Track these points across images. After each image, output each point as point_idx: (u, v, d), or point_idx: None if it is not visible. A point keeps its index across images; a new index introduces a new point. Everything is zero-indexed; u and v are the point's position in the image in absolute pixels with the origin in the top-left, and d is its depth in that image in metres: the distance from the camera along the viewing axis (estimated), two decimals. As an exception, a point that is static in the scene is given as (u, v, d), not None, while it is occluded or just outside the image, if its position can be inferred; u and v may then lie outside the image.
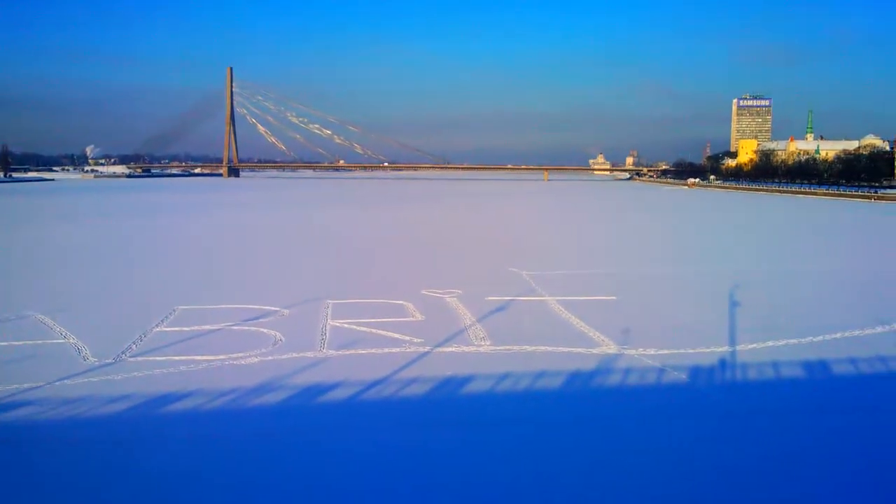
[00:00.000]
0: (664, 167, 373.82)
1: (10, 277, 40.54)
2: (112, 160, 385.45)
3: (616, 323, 28.99)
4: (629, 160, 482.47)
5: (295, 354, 24.04)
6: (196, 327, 27.80)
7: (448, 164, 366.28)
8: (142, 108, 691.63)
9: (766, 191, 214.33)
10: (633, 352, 24.75)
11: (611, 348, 25.26)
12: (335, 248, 57.26)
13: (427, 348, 24.97)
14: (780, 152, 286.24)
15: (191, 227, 75.18)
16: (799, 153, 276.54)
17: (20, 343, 25.23)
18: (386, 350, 24.72)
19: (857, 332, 27.81)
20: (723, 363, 23.56)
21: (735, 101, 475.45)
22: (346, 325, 28.35)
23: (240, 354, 23.86)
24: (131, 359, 23.43)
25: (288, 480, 14.67)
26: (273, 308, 31.43)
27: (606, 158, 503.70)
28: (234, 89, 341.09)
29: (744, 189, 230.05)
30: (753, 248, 61.23)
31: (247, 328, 27.86)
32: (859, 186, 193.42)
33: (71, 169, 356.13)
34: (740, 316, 30.77)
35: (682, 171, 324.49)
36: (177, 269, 43.75)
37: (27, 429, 17.38)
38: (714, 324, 29.27)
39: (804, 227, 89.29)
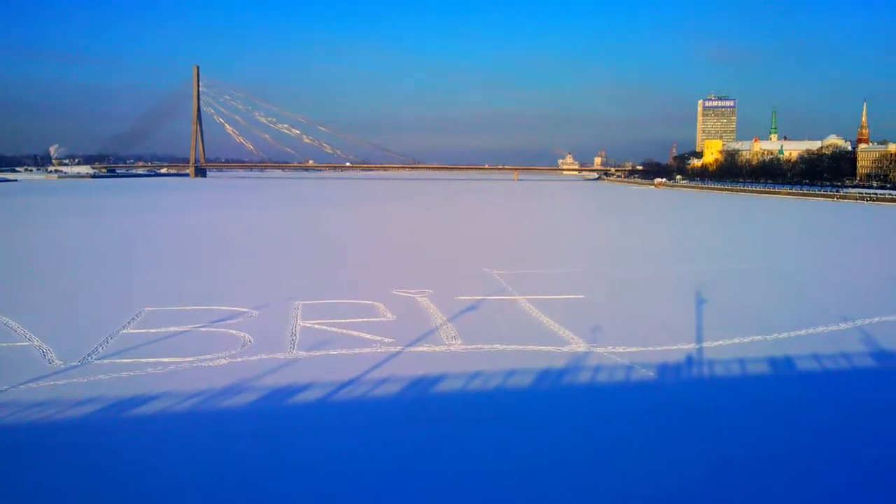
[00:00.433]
0: (631, 167, 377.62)
1: (-30, 280, 39.65)
2: (76, 160, 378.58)
3: (585, 321, 29.24)
4: (597, 160, 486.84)
5: (265, 356, 23.88)
6: (163, 329, 27.48)
7: (418, 164, 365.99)
8: (106, 108, 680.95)
9: (731, 190, 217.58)
10: (602, 350, 24.99)
11: (580, 346, 25.47)
12: (305, 248, 56.92)
13: (398, 348, 24.97)
14: (744, 152, 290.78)
15: (157, 228, 74.15)
16: (763, 153, 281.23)
17: (-18, 346, 24.71)
18: (357, 350, 24.67)
19: (821, 329, 28.38)
20: (690, 360, 23.90)
21: (700, 101, 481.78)
22: (316, 326, 28.23)
23: (208, 356, 23.63)
24: (97, 361, 23.09)
25: (259, 482, 14.59)
26: (242, 309, 31.17)
27: (575, 159, 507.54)
28: (200, 88, 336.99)
29: (709, 189, 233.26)
30: (719, 247, 62.13)
31: (215, 330, 27.59)
32: (822, 186, 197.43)
33: (34, 169, 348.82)
34: (707, 314, 31.23)
35: (650, 171, 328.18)
36: (143, 271, 43.15)
37: (-10, 434, 17.05)
38: (681, 321, 29.67)
39: (769, 227, 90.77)
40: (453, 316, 30.31)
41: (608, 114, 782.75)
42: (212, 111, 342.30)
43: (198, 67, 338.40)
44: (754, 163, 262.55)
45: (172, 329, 27.49)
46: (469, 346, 25.35)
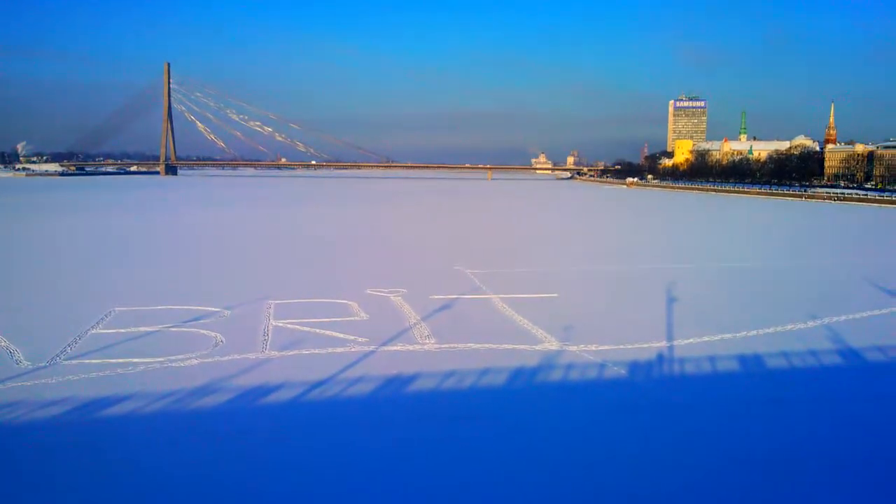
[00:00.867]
0: (604, 167, 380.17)
1: (-66, 280, 38.84)
2: (45, 158, 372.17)
3: (558, 320, 29.42)
4: (570, 160, 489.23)
5: (236, 356, 23.69)
6: (133, 329, 27.14)
7: (392, 163, 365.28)
8: (75, 105, 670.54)
9: (702, 190, 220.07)
10: (574, 348, 25.16)
11: (553, 345, 25.62)
12: (277, 247, 56.54)
13: (372, 347, 24.92)
14: (714, 152, 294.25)
15: (127, 227, 73.18)
16: (733, 153, 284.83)
17: (-54, 348, 24.23)
18: (330, 350, 24.57)
19: (789, 327, 28.82)
20: (661, 358, 24.15)
21: (672, 102, 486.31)
22: (289, 326, 28.06)
23: (179, 356, 23.39)
24: (66, 362, 22.74)
25: (232, 481, 14.49)
26: (213, 309, 30.88)
27: (548, 158, 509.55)
28: (171, 86, 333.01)
29: (680, 188, 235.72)
30: (690, 247, 62.84)
31: (186, 330, 27.32)
32: (790, 185, 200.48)
33: (1, 167, 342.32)
34: (677, 312, 31.58)
35: (622, 171, 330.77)
36: (113, 270, 42.57)
37: (-45, 436, 16.73)
38: (652, 320, 29.97)
39: (738, 226, 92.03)
40: (427, 315, 30.32)
41: (581, 114, 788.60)
42: (183, 109, 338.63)
43: (168, 64, 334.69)
44: (724, 163, 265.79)
45: (143, 329, 27.17)
46: (443, 345, 25.38)
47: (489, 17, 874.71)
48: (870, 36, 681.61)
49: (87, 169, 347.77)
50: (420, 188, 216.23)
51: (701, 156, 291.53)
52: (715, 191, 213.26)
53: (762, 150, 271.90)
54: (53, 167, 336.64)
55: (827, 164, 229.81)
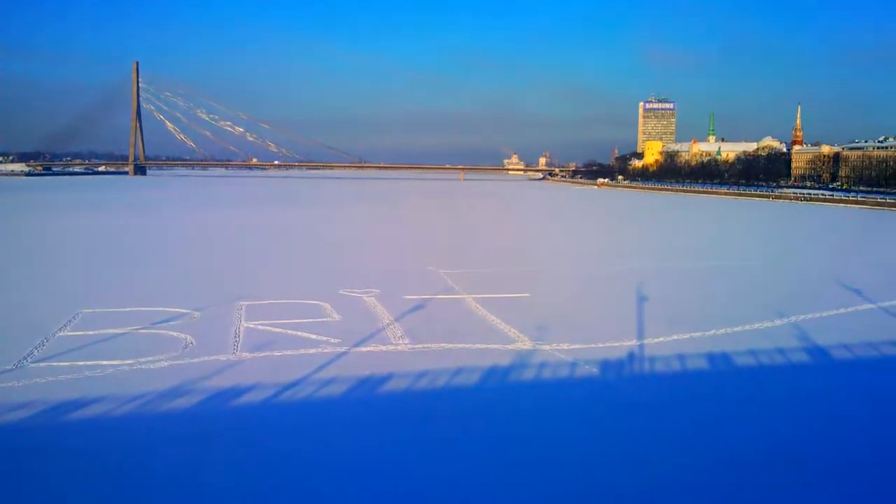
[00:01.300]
0: (575, 168, 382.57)
1: None
2: (10, 158, 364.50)
3: (530, 319, 29.57)
4: (542, 160, 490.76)
5: (207, 357, 23.45)
6: (101, 331, 26.75)
7: (364, 163, 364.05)
8: (42, 104, 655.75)
9: (671, 190, 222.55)
10: (546, 347, 25.32)
11: (526, 344, 25.76)
12: (248, 248, 56.09)
13: (345, 348, 24.83)
14: (683, 153, 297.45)
15: (94, 228, 72.10)
16: (701, 154, 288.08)
17: None
18: (302, 351, 24.44)
19: (757, 325, 29.27)
20: (632, 357, 24.39)
21: (641, 104, 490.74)
22: (260, 327, 27.86)
23: (148, 359, 23.09)
24: (33, 365, 22.33)
25: (203, 484, 14.36)
26: (183, 310, 30.54)
27: (520, 159, 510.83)
28: (140, 84, 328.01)
29: (650, 189, 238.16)
30: (660, 246, 63.53)
31: (155, 331, 26.99)
32: (758, 186, 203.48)
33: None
34: (647, 311, 31.90)
35: (592, 172, 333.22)
36: (80, 272, 41.92)
37: (-83, 442, 16.36)
38: (623, 319, 30.25)
39: (707, 226, 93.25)
40: (400, 315, 30.29)
41: (553, 115, 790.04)
42: (152, 108, 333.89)
43: (137, 63, 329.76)
44: (693, 164, 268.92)
45: (111, 331, 26.79)
46: (416, 346, 25.38)
47: (461, 19, 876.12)
48: (836, 39, 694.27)
49: (55, 169, 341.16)
50: (393, 188, 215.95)
51: (670, 157, 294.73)
52: (684, 191, 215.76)
53: (730, 151, 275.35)
54: (20, 167, 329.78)
55: (794, 165, 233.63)
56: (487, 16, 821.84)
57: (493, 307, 32.13)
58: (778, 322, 30.01)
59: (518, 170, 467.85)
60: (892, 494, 14.60)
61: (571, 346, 25.35)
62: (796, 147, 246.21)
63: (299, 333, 26.81)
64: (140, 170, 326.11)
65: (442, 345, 25.42)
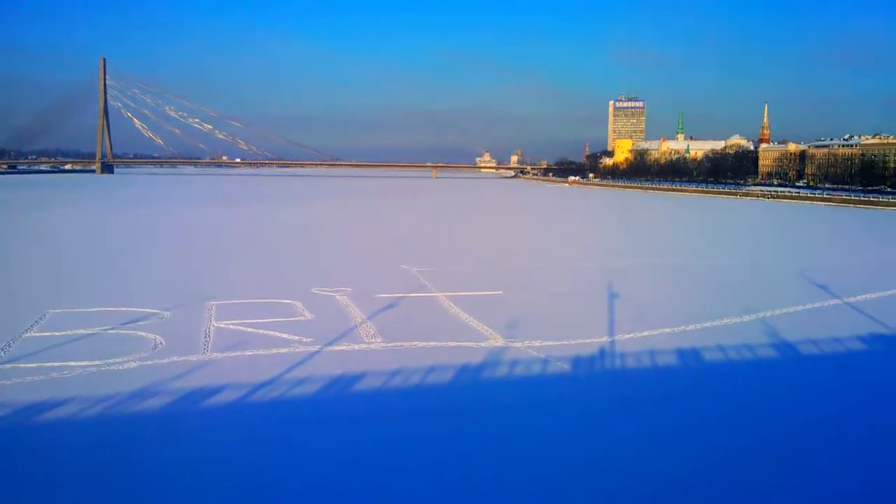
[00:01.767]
0: (547, 165, 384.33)
1: None
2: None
3: (503, 317, 29.69)
4: (514, 158, 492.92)
5: (177, 358, 23.20)
6: (69, 332, 26.33)
7: (336, 161, 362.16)
8: (6, 101, 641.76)
9: (641, 188, 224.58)
10: (518, 344, 25.44)
11: (498, 341, 25.86)
12: (217, 247, 55.55)
13: (317, 347, 24.72)
14: (653, 152, 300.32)
15: (60, 227, 70.89)
16: (671, 152, 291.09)
17: None
18: (274, 351, 24.28)
19: (726, 321, 29.69)
20: (603, 353, 24.60)
21: (612, 102, 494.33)
22: (231, 327, 27.62)
23: (117, 359, 22.79)
24: (0, 366, 21.95)
25: (174, 485, 14.22)
26: (152, 310, 30.17)
27: (493, 157, 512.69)
28: (107, 81, 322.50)
29: (620, 187, 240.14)
30: (630, 244, 64.12)
31: (124, 332, 26.64)
32: (726, 184, 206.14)
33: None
34: (619, 307, 32.20)
35: (564, 170, 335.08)
36: (47, 271, 41.19)
37: None
38: (595, 316, 30.49)
39: (676, 224, 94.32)
40: (373, 314, 30.23)
41: (524, 113, 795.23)
42: (119, 105, 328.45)
43: (104, 60, 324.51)
44: (662, 162, 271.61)
45: (79, 332, 26.39)
46: (389, 344, 25.35)
47: (433, 17, 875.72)
48: (802, 39, 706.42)
49: (20, 167, 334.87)
50: (365, 187, 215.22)
51: (640, 155, 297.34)
52: (654, 189, 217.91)
53: (699, 149, 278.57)
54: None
55: (761, 162, 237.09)
56: (460, 15, 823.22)
57: (466, 305, 32.19)
58: (746, 318, 30.45)
59: (490, 168, 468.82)
60: (862, 485, 14.92)
61: (543, 343, 25.50)
62: (763, 145, 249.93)
63: (271, 333, 26.63)
64: (107, 168, 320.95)
65: (415, 343, 25.43)
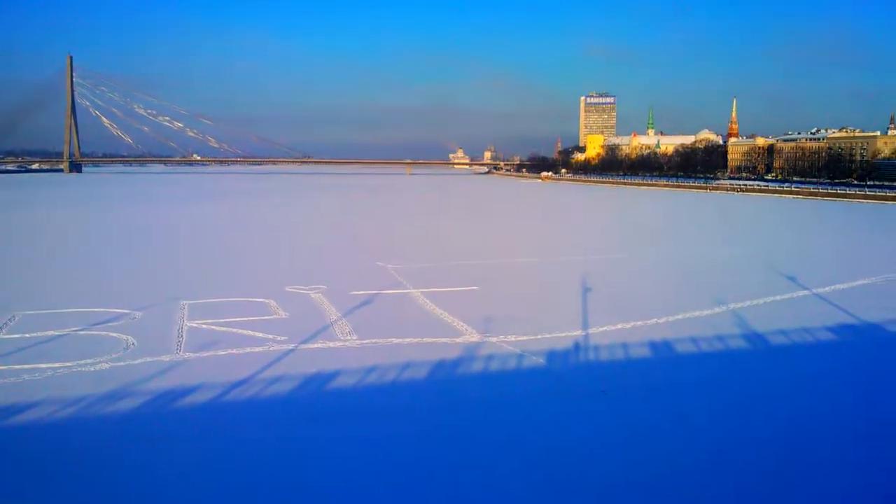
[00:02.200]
0: (519, 161, 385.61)
1: None
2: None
3: (478, 312, 29.78)
4: (487, 154, 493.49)
5: (149, 358, 22.95)
6: (39, 333, 25.92)
7: (309, 158, 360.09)
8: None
9: (613, 183, 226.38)
10: (494, 339, 25.55)
11: (473, 337, 25.94)
12: (189, 246, 55.00)
13: (292, 346, 24.61)
14: (624, 147, 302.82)
15: (28, 227, 69.69)
16: (641, 148, 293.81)
17: None
18: (248, 350, 24.11)
19: (697, 313, 30.07)
20: (577, 346, 24.80)
21: (583, 98, 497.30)
22: (204, 326, 27.38)
23: (89, 360, 22.50)
24: (-35, 371, 21.53)
25: (146, 490, 14.09)
26: (123, 311, 29.81)
27: (466, 153, 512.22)
28: (74, 79, 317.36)
29: (592, 182, 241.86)
30: (603, 237, 64.65)
31: (95, 333, 26.29)
32: (696, 178, 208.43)
33: None
34: (592, 301, 32.46)
35: (536, 165, 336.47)
36: (15, 272, 40.47)
37: None
38: (569, 310, 30.70)
39: (647, 218, 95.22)
40: (347, 311, 30.16)
41: (496, 109, 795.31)
42: (87, 103, 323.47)
43: (71, 57, 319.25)
44: (633, 157, 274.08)
45: (49, 333, 26.00)
46: (364, 341, 25.32)
47: (405, 13, 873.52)
48: (770, 35, 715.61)
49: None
50: (338, 184, 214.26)
51: (611, 150, 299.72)
52: (625, 184, 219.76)
53: (669, 144, 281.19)
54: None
55: (730, 156, 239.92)
56: (431, 10, 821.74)
57: (441, 301, 32.24)
58: (717, 310, 30.86)
59: (464, 164, 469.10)
60: (827, 475, 15.22)
61: (519, 338, 25.63)
62: (732, 139, 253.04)
63: (244, 332, 26.45)
64: (76, 167, 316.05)
65: (390, 340, 25.42)
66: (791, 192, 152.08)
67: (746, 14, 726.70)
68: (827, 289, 35.96)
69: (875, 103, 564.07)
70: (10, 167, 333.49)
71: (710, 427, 17.76)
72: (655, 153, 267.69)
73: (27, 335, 25.68)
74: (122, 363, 22.42)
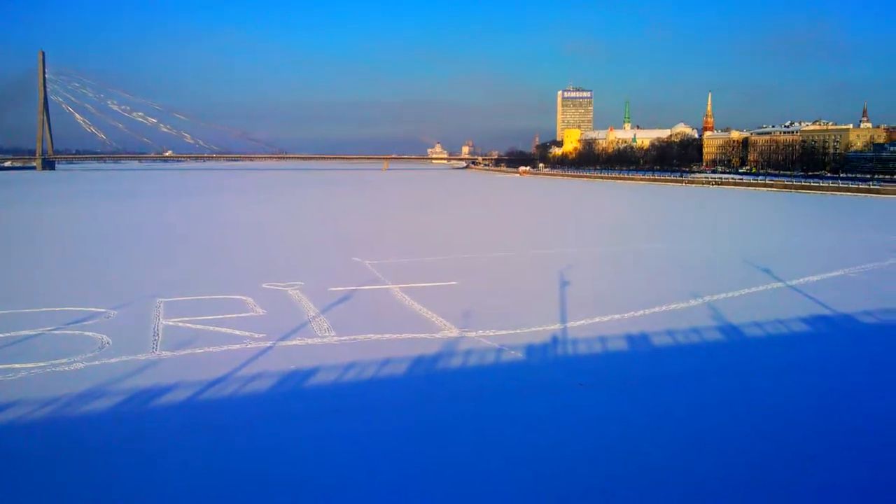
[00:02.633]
0: (498, 156, 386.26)
1: None
2: None
3: (457, 307, 29.79)
4: (465, 149, 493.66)
5: (125, 357, 22.71)
6: (12, 333, 25.54)
7: (286, 154, 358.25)
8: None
9: (590, 177, 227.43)
10: (473, 334, 25.57)
11: (452, 332, 25.94)
12: (165, 243, 54.45)
13: (269, 343, 24.46)
14: (601, 141, 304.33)
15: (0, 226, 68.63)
16: (618, 142, 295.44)
17: None
18: (225, 348, 23.92)
19: (674, 306, 30.31)
20: (555, 340, 24.90)
21: (560, 92, 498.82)
22: (180, 324, 27.13)
23: (63, 360, 22.21)
24: (-65, 372, 21.16)
25: (128, 488, 13.95)
26: (98, 309, 29.46)
27: (444, 148, 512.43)
28: (46, 75, 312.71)
29: (570, 176, 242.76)
30: (580, 231, 64.95)
31: (70, 332, 25.96)
32: (672, 171, 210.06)
33: None
34: (570, 295, 32.59)
35: (514, 160, 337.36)
36: (-15, 273, 39.85)
37: None
38: (547, 304, 30.81)
39: (624, 211, 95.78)
40: (326, 308, 30.03)
41: (474, 104, 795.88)
42: (60, 100, 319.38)
43: (43, 53, 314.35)
44: (610, 151, 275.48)
45: (23, 333, 25.62)
46: (343, 338, 25.23)
47: (383, 7, 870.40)
48: (744, 29, 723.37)
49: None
50: (315, 179, 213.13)
51: (588, 144, 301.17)
52: (602, 178, 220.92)
53: (645, 138, 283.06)
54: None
55: (705, 150, 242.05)
56: (411, 5, 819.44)
57: (420, 296, 32.20)
58: (693, 302, 31.14)
59: (441, 159, 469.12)
60: (800, 467, 15.43)
61: (497, 333, 25.68)
62: (707, 133, 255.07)
63: (221, 329, 26.25)
64: (48, 164, 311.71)
65: (369, 336, 25.36)
66: (765, 185, 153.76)
67: (721, 8, 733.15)
68: (801, 280, 36.42)
69: (848, 96, 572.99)
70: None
71: (689, 420, 17.91)
72: (632, 147, 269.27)
73: (0, 335, 25.29)
74: (96, 362, 22.16)
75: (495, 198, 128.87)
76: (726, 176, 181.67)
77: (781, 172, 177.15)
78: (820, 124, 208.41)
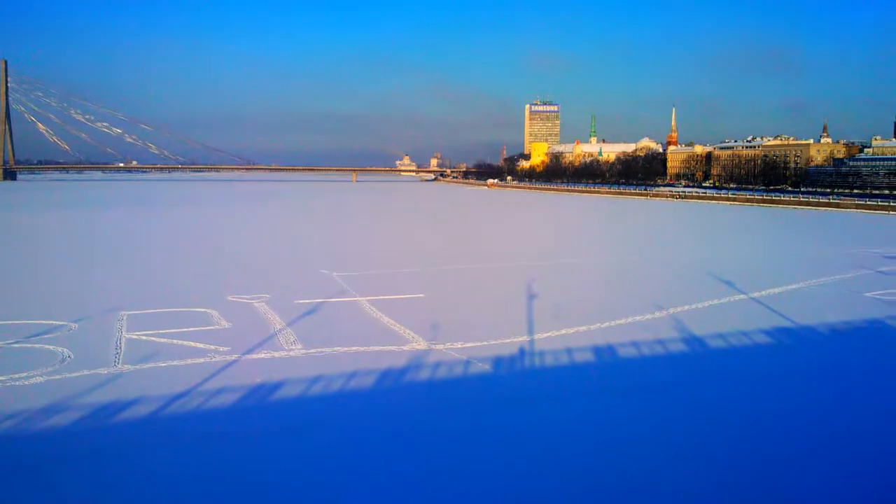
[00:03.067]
0: (466, 168, 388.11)
1: None
2: None
3: (425, 320, 29.77)
4: (433, 161, 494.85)
5: (86, 371, 22.28)
6: (-33, 348, 24.92)
7: (254, 165, 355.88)
8: None
9: (557, 190, 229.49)
10: (440, 347, 25.57)
11: (420, 345, 25.91)
12: (129, 254, 53.56)
13: (234, 356, 24.18)
14: (568, 154, 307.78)
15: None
16: (584, 155, 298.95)
17: None
18: (189, 361, 23.60)
19: (638, 318, 30.64)
20: (523, 352, 25.00)
21: (528, 106, 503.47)
22: (143, 338, 26.70)
23: (22, 374, 21.73)
24: None
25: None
26: (59, 322, 28.88)
27: (412, 160, 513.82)
28: (9, 84, 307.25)
29: (537, 189, 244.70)
30: (546, 244, 65.38)
31: (29, 345, 25.40)
32: (637, 185, 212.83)
33: None
34: (536, 307, 32.77)
35: (483, 173, 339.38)
36: (-60, 285, 38.85)
37: None
38: (514, 316, 30.94)
39: (589, 224, 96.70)
40: (292, 320, 29.80)
41: (443, 117, 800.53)
42: (22, 109, 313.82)
43: (6, 62, 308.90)
44: (577, 164, 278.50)
45: (-22, 348, 25.02)
46: (309, 351, 25.06)
47: (352, 18, 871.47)
48: (707, 44, 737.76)
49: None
50: (284, 191, 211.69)
51: (555, 158, 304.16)
52: (568, 191, 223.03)
53: (611, 151, 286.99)
54: None
55: (669, 164, 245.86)
56: (376, 16, 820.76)
57: (388, 309, 32.12)
58: (658, 314, 31.51)
59: (410, 171, 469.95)
60: (767, 474, 15.66)
61: (465, 345, 25.72)
62: (671, 147, 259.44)
63: (186, 343, 25.90)
64: (10, 174, 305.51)
65: (336, 348, 25.22)
66: (728, 199, 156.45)
67: (684, 25, 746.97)
68: (763, 293, 37.06)
69: (808, 113, 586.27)
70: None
71: (658, 430, 18.07)
72: (598, 161, 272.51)
73: (-45, 349, 24.67)
74: (57, 377, 21.71)
75: (463, 210, 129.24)
76: (690, 190, 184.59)
77: (744, 186, 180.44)
78: (781, 139, 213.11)
